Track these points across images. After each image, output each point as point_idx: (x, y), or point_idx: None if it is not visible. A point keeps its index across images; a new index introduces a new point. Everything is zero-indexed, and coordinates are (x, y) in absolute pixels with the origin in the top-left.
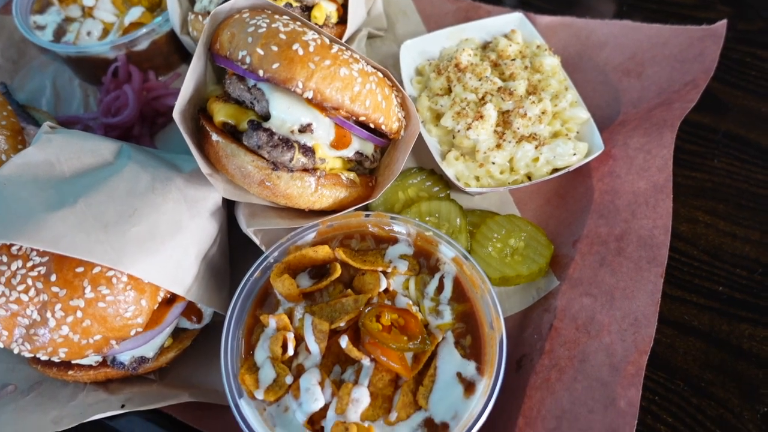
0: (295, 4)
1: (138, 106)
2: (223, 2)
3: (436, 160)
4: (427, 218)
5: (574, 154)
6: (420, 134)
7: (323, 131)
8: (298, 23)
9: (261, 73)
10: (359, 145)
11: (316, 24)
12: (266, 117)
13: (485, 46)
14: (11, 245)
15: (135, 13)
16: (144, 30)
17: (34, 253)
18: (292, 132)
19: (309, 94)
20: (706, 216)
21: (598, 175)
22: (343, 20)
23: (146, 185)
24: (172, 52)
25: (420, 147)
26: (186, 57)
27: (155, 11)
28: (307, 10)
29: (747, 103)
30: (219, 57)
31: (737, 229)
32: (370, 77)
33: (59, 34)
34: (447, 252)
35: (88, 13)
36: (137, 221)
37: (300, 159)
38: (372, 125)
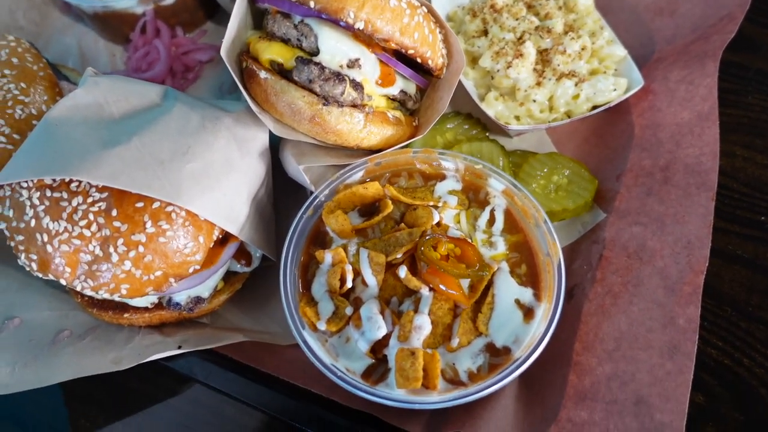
0: None
1: (168, 60)
2: None
3: (475, 101)
4: None
5: (614, 90)
6: None
7: (370, 67)
8: None
9: (312, 4)
10: (403, 84)
11: None
12: (314, 54)
13: None
14: (70, 182)
15: None
16: None
17: (93, 189)
18: (341, 67)
19: (360, 25)
20: (744, 150)
21: (638, 111)
22: None
23: (197, 124)
24: (198, 7)
25: (456, 91)
26: (212, 14)
27: None
28: None
29: None
30: None
31: None
32: (418, 10)
33: None
34: (497, 185)
35: None
36: (192, 158)
37: (351, 93)
38: (419, 60)
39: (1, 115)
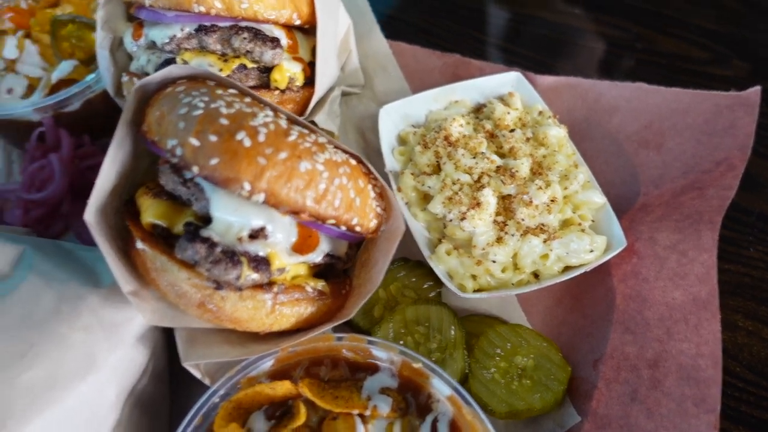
0: (250, 66)
1: (67, 178)
2: (162, 67)
3: (423, 253)
4: (417, 327)
5: (591, 251)
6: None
7: (282, 234)
8: (247, 100)
9: (196, 170)
10: (328, 245)
11: (276, 89)
12: (207, 218)
13: (479, 109)
14: None
15: (65, 67)
16: (75, 89)
17: None
18: (240, 240)
19: (260, 198)
20: (747, 321)
21: (620, 275)
22: (310, 81)
23: (49, 308)
24: (113, 110)
25: (405, 234)
26: None
27: (92, 65)
28: (267, 71)
29: None
30: (148, 142)
31: None
32: (340, 168)
33: None
34: (442, 388)
35: (9, 67)
36: (32, 362)
37: (250, 275)
38: (343, 227)
39: None
